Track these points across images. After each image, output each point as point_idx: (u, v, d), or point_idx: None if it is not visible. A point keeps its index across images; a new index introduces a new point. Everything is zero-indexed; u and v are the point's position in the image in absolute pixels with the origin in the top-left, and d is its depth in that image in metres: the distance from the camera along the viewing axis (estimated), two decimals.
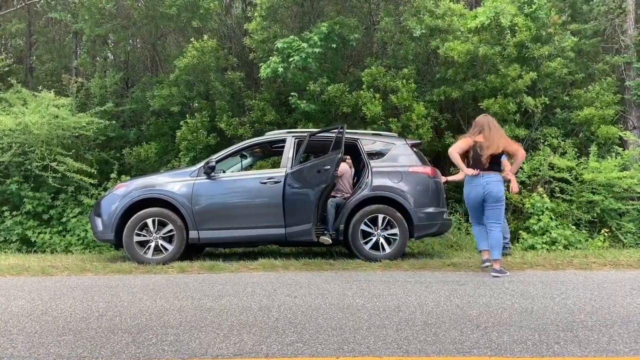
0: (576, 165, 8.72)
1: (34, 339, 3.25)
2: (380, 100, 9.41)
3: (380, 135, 7.45)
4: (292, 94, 9.73)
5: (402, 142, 7.18)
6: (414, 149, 7.14)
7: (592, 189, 8.56)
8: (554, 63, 9.04)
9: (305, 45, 9.10)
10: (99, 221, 6.71)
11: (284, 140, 7.05)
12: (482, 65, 9.36)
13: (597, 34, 10.64)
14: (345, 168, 7.40)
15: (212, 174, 6.66)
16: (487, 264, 5.77)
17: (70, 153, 9.09)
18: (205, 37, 10.25)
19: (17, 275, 5.91)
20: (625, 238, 8.29)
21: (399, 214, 6.65)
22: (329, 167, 6.28)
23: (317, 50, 9.17)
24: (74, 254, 8.21)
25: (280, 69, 9.19)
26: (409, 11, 9.86)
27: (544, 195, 8.35)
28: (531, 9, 9.05)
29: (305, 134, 6.96)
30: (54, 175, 8.74)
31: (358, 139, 7.12)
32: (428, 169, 6.92)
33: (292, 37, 9.35)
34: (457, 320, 3.60)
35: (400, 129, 9.06)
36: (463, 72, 9.35)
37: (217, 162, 6.76)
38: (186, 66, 10.12)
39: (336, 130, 6.78)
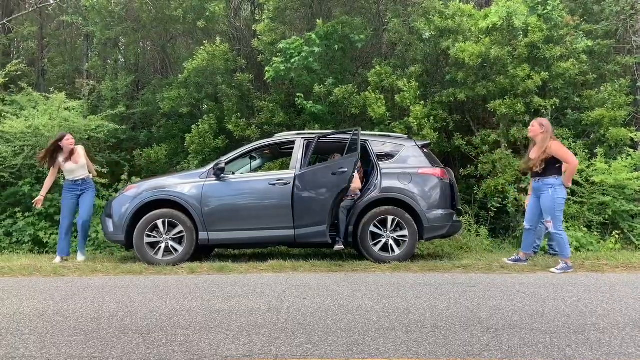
0: (586, 167, 8.64)
1: (45, 339, 3.27)
2: (385, 101, 9.40)
3: (389, 136, 7.44)
4: (298, 95, 9.76)
5: (411, 143, 7.16)
6: (424, 150, 7.12)
7: (603, 190, 8.48)
8: (566, 64, 8.97)
9: (306, 48, 9.14)
10: (109, 222, 6.76)
11: (293, 142, 7.06)
12: (492, 66, 9.31)
13: (609, 35, 10.55)
14: None
15: (222, 175, 6.68)
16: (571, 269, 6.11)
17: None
18: (218, 40, 10.29)
19: (29, 275, 5.97)
20: (637, 240, 8.20)
21: (408, 216, 6.63)
22: (346, 169, 6.28)
23: (315, 49, 9.19)
24: (85, 254, 8.26)
25: (283, 69, 9.25)
26: (418, 12, 9.83)
27: None
28: (546, 10, 8.97)
29: (314, 136, 6.97)
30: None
31: (367, 140, 7.11)
32: (438, 171, 6.88)
33: (293, 37, 9.40)
34: (467, 322, 3.59)
35: (405, 131, 9.03)
36: (474, 74, 9.31)
37: (226, 163, 6.77)
38: (195, 69, 10.17)
39: (350, 133, 6.81)
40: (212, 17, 10.75)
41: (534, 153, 6.16)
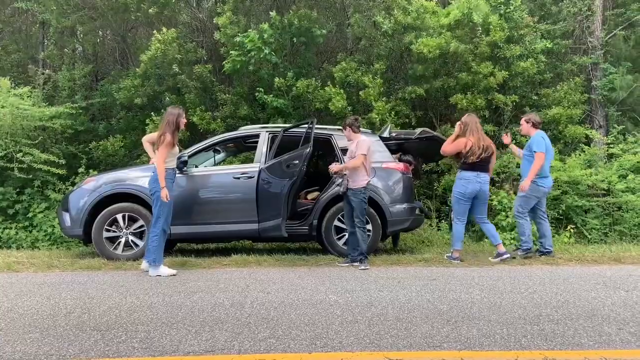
0: None
1: None
2: (350, 96, 9.43)
3: None
4: (258, 88, 9.70)
5: (375, 138, 7.22)
6: (392, 134, 7.24)
7: (558, 186, 8.76)
8: (525, 63, 9.20)
9: (260, 41, 9.14)
10: (66, 216, 6.56)
11: (257, 135, 7.01)
12: (454, 62, 9.46)
13: (566, 35, 10.88)
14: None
15: (184, 168, 6.57)
16: (507, 255, 6.28)
17: (37, 143, 8.84)
18: (164, 29, 10.09)
19: None
20: (590, 234, 8.51)
21: (372, 210, 6.68)
22: (297, 161, 6.24)
23: (267, 37, 9.20)
24: (41, 250, 8.01)
25: (239, 62, 9.20)
26: (379, 6, 9.91)
27: (510, 192, 8.54)
28: (508, 10, 9.17)
29: (279, 130, 6.94)
30: (19, 166, 8.48)
31: (332, 134, 7.13)
32: (401, 165, 6.98)
33: (249, 31, 9.37)
34: (428, 314, 3.65)
35: (368, 126, 9.10)
36: (434, 69, 9.43)
37: (189, 157, 6.67)
38: (150, 59, 9.97)
39: (306, 125, 6.77)
40: (166, 3, 10.53)
41: None
